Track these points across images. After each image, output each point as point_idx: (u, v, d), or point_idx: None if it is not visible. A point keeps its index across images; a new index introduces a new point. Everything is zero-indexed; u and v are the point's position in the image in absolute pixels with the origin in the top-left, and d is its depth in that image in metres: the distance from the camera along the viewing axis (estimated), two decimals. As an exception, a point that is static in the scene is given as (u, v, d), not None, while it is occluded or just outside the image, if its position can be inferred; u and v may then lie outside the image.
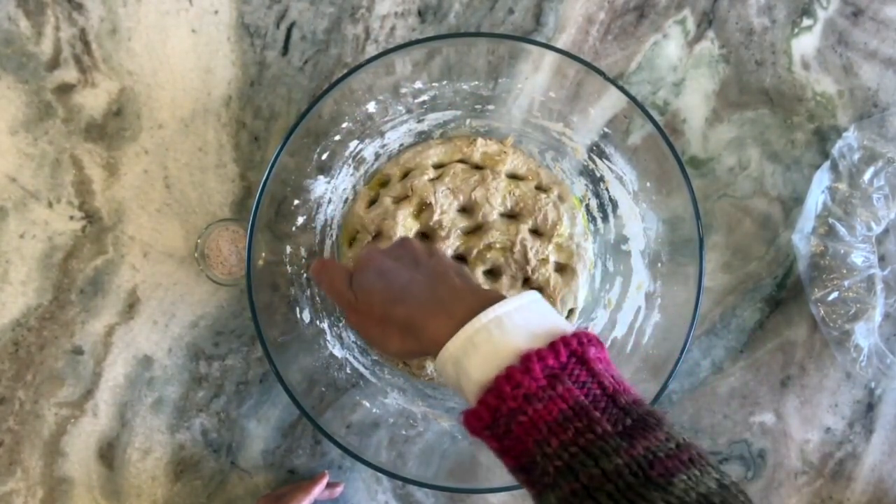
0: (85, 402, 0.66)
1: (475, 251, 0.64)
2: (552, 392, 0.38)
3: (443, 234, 0.64)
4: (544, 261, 0.64)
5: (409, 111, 0.63)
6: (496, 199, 0.64)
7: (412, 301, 0.46)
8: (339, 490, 0.65)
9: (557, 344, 0.39)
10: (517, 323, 0.41)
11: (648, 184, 0.61)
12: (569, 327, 0.42)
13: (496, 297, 0.44)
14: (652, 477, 0.35)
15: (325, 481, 0.63)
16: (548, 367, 0.39)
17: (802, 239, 0.67)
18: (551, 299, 0.65)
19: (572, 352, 0.40)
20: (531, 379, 0.38)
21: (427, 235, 0.65)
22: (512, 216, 0.65)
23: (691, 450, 0.37)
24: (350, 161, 0.64)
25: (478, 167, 0.66)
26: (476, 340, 0.41)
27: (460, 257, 0.65)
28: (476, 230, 0.65)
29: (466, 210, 0.65)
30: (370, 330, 0.48)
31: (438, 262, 0.49)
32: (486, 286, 0.64)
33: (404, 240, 0.52)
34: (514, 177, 0.66)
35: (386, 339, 0.47)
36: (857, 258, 0.66)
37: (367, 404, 0.63)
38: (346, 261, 0.65)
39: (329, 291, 0.51)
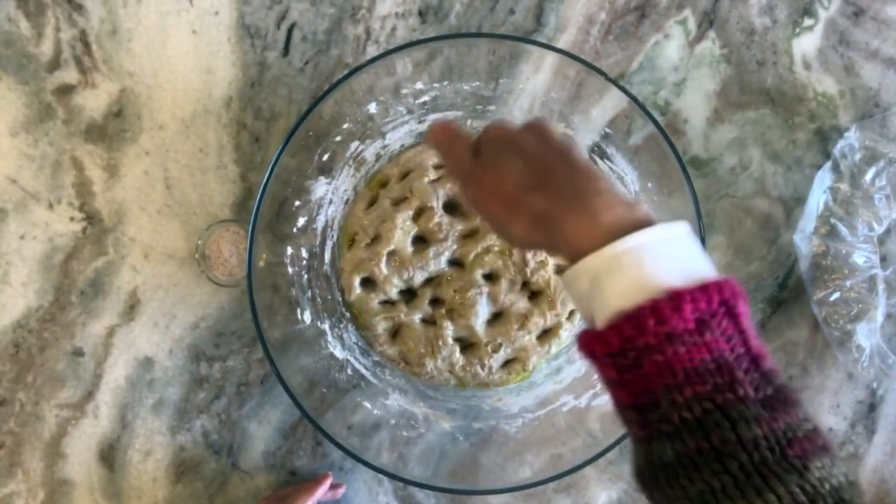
0: (85, 404, 0.66)
1: (472, 255, 0.64)
2: (698, 338, 0.35)
3: (440, 236, 0.63)
4: (543, 263, 0.64)
5: (409, 112, 0.63)
6: None
7: (552, 193, 0.41)
8: (341, 491, 0.65)
9: (711, 288, 0.36)
10: (669, 254, 0.38)
11: (650, 184, 0.61)
12: (714, 272, 0.38)
13: (646, 217, 0.40)
14: (789, 456, 0.33)
15: (328, 482, 0.63)
16: (698, 310, 0.35)
17: (804, 239, 0.67)
18: (551, 301, 0.64)
19: (724, 301, 0.36)
20: (680, 319, 0.35)
21: (425, 239, 0.64)
22: None
23: (825, 436, 0.35)
24: (351, 162, 0.64)
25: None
26: (624, 262, 0.37)
27: (457, 262, 0.65)
28: (473, 234, 0.65)
29: (464, 213, 0.65)
30: (493, 209, 0.44)
31: (580, 153, 0.44)
32: (485, 288, 0.63)
33: (544, 121, 0.46)
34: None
35: (511, 222, 0.43)
36: (859, 258, 0.66)
37: (368, 405, 0.62)
38: (346, 261, 0.65)
39: (448, 158, 0.47)
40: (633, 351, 0.36)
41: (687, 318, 0.35)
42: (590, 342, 0.38)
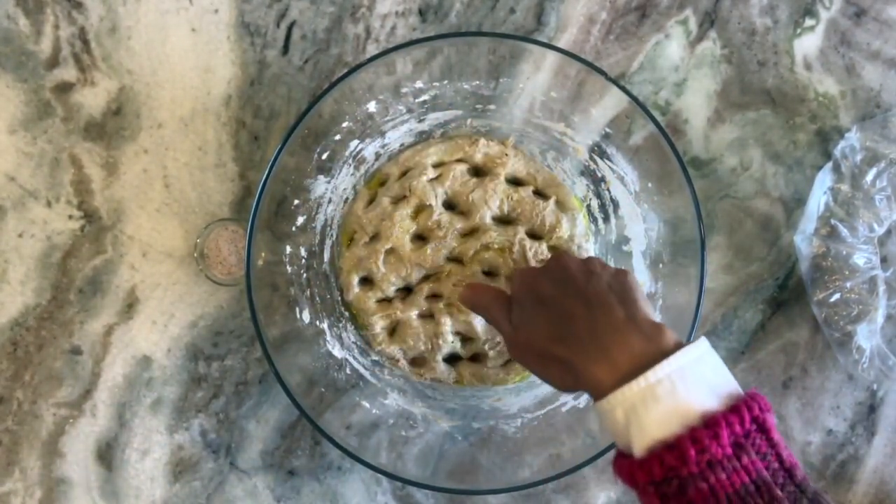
0: (83, 403, 0.66)
1: (472, 252, 0.63)
2: (737, 463, 0.37)
3: (440, 234, 0.63)
4: (544, 262, 0.64)
5: (409, 111, 0.63)
6: (494, 201, 0.64)
7: (572, 341, 0.46)
8: None
9: (742, 409, 0.38)
10: (698, 377, 0.40)
11: (650, 184, 0.61)
12: (738, 385, 0.41)
13: (669, 343, 0.42)
14: None
15: None
16: (734, 434, 0.38)
17: (804, 240, 0.67)
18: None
19: (755, 418, 0.39)
20: (718, 446, 0.37)
21: (424, 237, 0.64)
22: (508, 221, 0.65)
23: None
24: (350, 161, 0.64)
25: (477, 169, 0.66)
26: (658, 392, 0.40)
27: (456, 259, 0.64)
28: (473, 232, 0.64)
29: (463, 212, 0.65)
30: (530, 362, 0.49)
31: (598, 284, 0.47)
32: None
33: (560, 257, 0.50)
34: (514, 181, 0.66)
35: (547, 372, 0.48)
36: (860, 259, 0.66)
37: (367, 405, 0.62)
38: (345, 260, 0.65)
39: (488, 321, 0.53)
40: (677, 479, 0.38)
41: (725, 444, 0.37)
42: (630, 470, 0.40)
